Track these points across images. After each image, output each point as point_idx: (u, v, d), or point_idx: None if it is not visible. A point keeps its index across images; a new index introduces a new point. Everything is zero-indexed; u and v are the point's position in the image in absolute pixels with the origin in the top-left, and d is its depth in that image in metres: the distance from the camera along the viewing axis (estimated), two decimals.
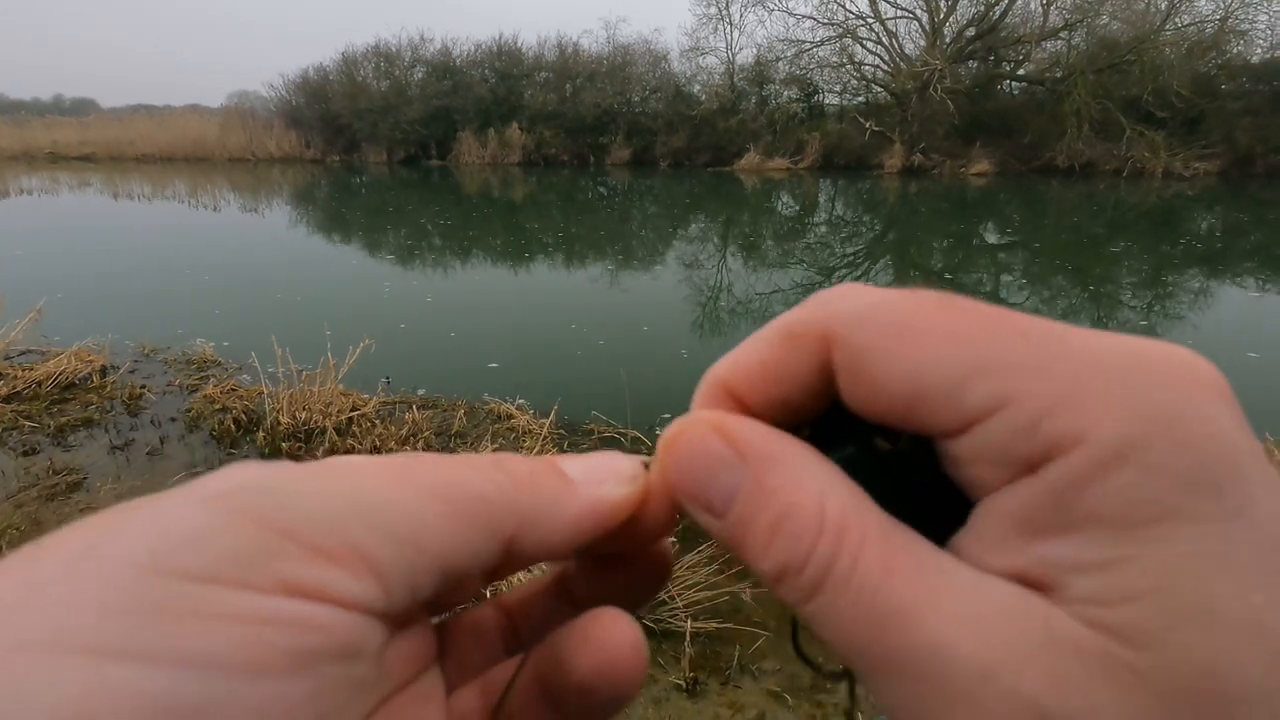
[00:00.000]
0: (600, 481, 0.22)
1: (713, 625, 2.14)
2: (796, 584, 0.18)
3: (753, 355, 0.21)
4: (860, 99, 22.62)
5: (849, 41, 21.74)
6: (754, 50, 24.06)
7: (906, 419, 0.18)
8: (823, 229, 12.13)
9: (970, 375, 0.17)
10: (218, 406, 3.77)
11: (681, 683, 1.97)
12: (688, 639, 2.05)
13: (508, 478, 0.21)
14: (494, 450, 3.24)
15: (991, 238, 11.32)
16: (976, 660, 0.16)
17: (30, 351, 4.55)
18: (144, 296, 6.62)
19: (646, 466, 0.23)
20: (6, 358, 4.38)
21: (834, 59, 22.12)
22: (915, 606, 0.17)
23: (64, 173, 21.38)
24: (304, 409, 3.54)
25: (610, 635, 0.21)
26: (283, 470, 0.19)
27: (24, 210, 13.84)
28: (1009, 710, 0.15)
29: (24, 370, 4.14)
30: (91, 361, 4.29)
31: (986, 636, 0.16)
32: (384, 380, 4.25)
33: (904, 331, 0.18)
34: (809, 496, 0.19)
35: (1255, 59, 19.54)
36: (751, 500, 0.19)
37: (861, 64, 22.19)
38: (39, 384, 4.01)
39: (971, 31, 20.83)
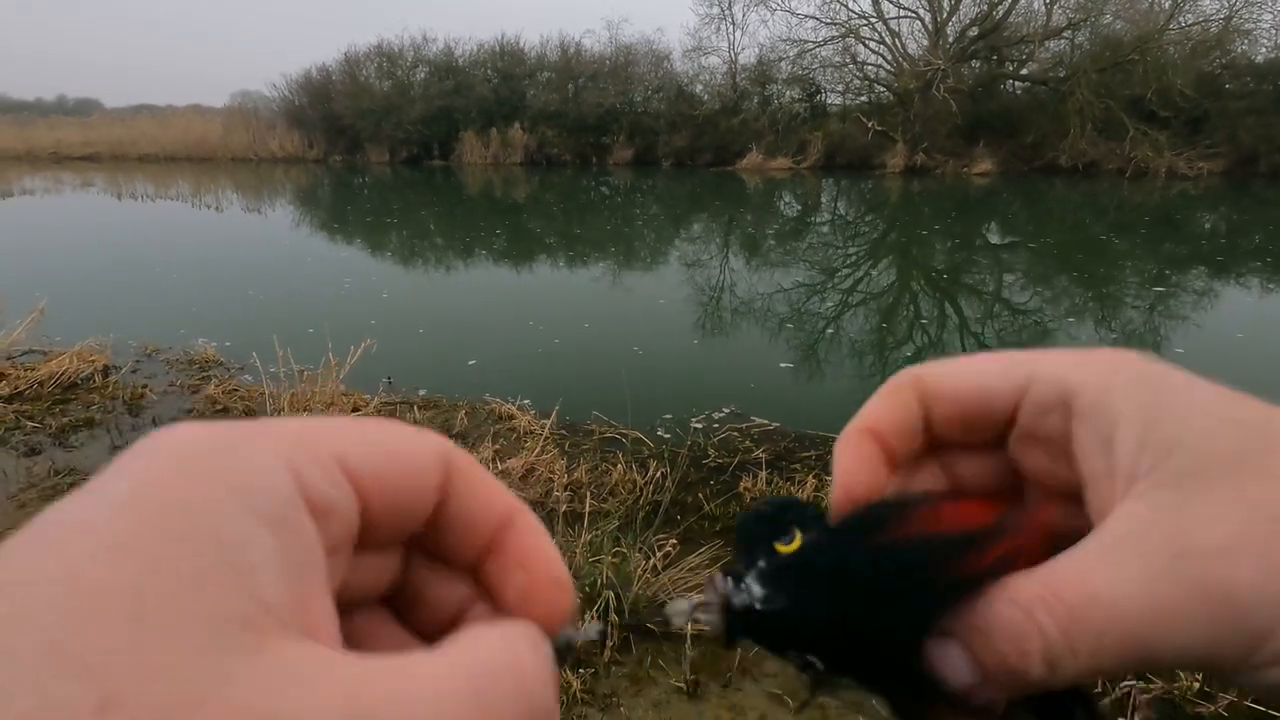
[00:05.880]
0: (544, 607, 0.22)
1: None
2: None
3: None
4: (863, 99, 22.58)
5: (851, 41, 21.72)
6: (756, 50, 24.00)
7: None
8: (825, 229, 12.11)
9: None
10: (219, 407, 3.77)
11: (682, 685, 1.96)
12: (688, 641, 2.04)
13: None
14: (495, 450, 3.24)
15: (994, 238, 11.29)
16: None
17: (33, 351, 4.56)
18: (147, 296, 6.63)
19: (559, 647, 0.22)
20: (9, 358, 4.39)
21: (836, 59, 22.12)
22: None
23: (67, 173, 21.44)
24: (305, 409, 3.54)
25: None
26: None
27: (27, 210, 13.88)
28: None
29: (26, 370, 4.14)
30: (94, 361, 4.29)
31: None
32: (385, 380, 4.26)
33: None
34: None
35: (1259, 58, 19.51)
36: None
37: (864, 64, 22.17)
38: (41, 384, 4.01)
39: (974, 31, 20.78)
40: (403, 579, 0.23)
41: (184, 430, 0.18)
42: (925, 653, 0.21)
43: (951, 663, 0.21)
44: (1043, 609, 0.20)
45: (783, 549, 0.24)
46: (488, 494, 0.22)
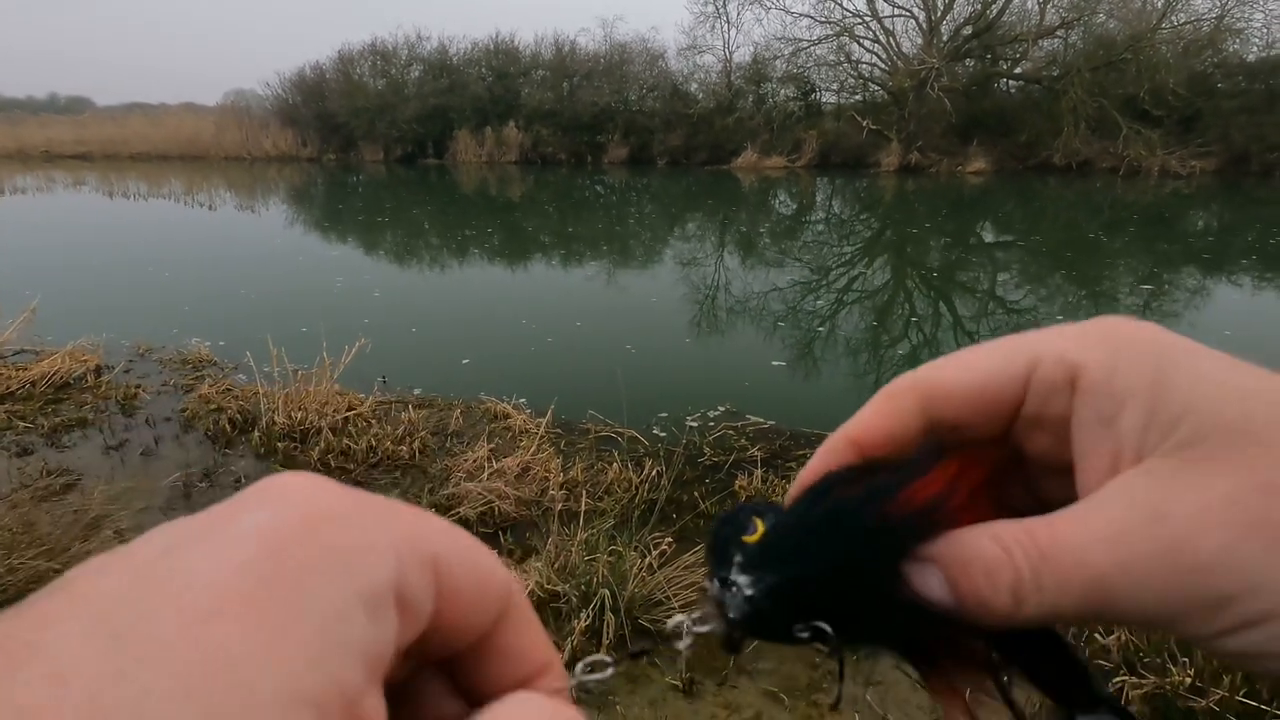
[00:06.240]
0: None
1: None
2: None
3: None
4: (857, 97, 22.62)
5: (846, 40, 21.74)
6: (751, 48, 24.13)
7: None
8: (820, 227, 12.12)
9: None
10: (213, 406, 3.76)
11: (678, 683, 1.96)
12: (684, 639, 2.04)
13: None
14: (490, 449, 3.24)
15: (988, 236, 11.33)
16: None
17: (24, 351, 4.53)
18: (139, 295, 6.60)
19: None
20: (1, 357, 4.36)
21: (831, 57, 22.15)
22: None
23: (59, 171, 21.30)
24: (300, 409, 3.53)
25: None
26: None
27: (18, 209, 13.78)
28: None
29: (18, 370, 4.11)
30: (86, 361, 4.27)
31: None
32: (380, 379, 4.25)
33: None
34: None
35: (1251, 57, 19.60)
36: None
37: (859, 62, 22.20)
38: (33, 384, 3.99)
39: (968, 30, 20.82)
40: (404, 682, 0.22)
41: (312, 485, 0.19)
42: (904, 581, 0.23)
43: (929, 583, 0.23)
44: (1019, 548, 0.22)
45: (750, 539, 0.25)
46: (536, 639, 0.22)
